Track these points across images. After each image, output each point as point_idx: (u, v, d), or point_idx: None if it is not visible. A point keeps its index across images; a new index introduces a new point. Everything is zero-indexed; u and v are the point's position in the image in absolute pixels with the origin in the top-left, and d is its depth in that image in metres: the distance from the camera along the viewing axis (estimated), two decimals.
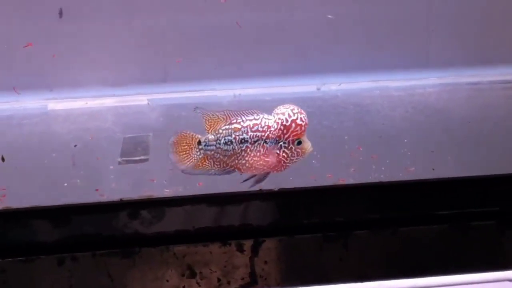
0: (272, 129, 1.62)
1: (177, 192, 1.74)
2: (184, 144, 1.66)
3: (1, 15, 2.42)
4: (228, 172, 1.66)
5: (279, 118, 1.62)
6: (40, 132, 2.25)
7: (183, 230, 1.69)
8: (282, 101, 2.37)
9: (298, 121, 1.61)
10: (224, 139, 1.63)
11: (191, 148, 1.65)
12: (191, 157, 1.65)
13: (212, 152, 1.64)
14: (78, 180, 1.90)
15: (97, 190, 1.81)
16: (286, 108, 1.64)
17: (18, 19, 2.43)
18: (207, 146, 1.64)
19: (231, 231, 1.70)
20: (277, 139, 1.62)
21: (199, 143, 1.65)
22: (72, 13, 2.46)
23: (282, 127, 1.61)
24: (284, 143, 1.62)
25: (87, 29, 2.48)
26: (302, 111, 1.64)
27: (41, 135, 2.23)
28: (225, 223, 1.69)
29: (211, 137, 1.64)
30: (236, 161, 1.63)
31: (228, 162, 1.64)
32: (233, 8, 2.49)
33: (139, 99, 2.50)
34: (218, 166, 1.64)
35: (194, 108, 1.72)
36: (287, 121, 1.61)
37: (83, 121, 2.32)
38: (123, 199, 1.68)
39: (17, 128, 2.28)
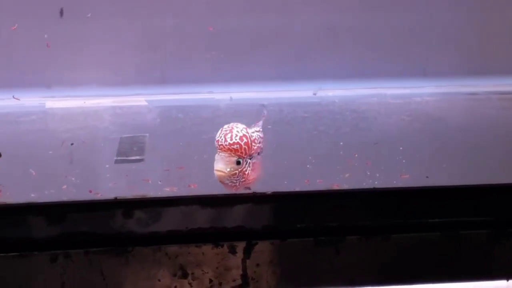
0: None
1: (172, 192, 1.74)
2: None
3: (2, 12, 2.44)
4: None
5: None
6: (37, 130, 2.26)
7: (176, 231, 1.69)
8: (279, 105, 2.41)
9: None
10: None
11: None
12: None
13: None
14: (73, 178, 1.90)
15: (90, 191, 1.80)
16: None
17: (18, 16, 2.44)
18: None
19: (224, 232, 1.70)
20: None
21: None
22: (72, 12, 2.47)
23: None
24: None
25: (87, 28, 2.49)
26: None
27: (38, 132, 2.24)
28: (218, 224, 1.70)
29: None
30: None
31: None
32: (232, 12, 2.51)
33: (137, 99, 2.51)
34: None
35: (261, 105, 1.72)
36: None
37: (81, 120, 2.33)
38: (117, 198, 1.68)
39: (14, 125, 2.29)
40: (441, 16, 2.53)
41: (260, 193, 1.69)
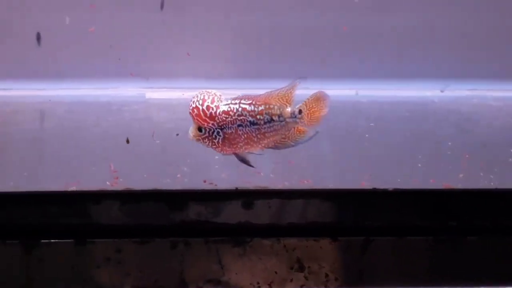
0: None
1: (291, 185, 1.75)
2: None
3: (105, 6, 2.47)
4: None
5: None
6: (140, 119, 2.29)
7: (295, 223, 1.70)
8: (379, 103, 2.39)
9: None
10: None
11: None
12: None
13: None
14: (185, 168, 1.93)
15: (205, 181, 1.82)
16: None
17: (120, 9, 2.48)
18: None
19: (342, 227, 1.71)
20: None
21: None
22: (172, 5, 2.50)
23: None
24: None
25: (186, 21, 2.51)
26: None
27: (142, 122, 2.26)
28: (337, 219, 1.70)
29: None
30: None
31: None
32: (332, 10, 2.50)
33: (234, 93, 2.52)
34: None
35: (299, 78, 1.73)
36: None
37: (182, 111, 2.34)
38: (238, 188, 1.70)
39: (118, 114, 2.32)
40: None
41: (382, 189, 1.68)
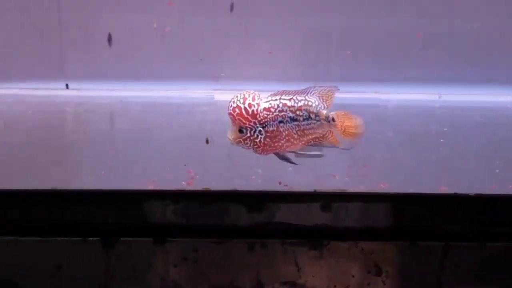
0: None
1: (368, 188, 1.74)
2: None
3: (175, 8, 2.49)
4: None
5: None
6: (211, 121, 2.30)
7: (372, 227, 1.68)
8: (452, 108, 2.37)
9: None
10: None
11: None
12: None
13: None
14: (260, 170, 1.93)
15: (280, 183, 1.82)
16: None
17: (190, 11, 2.50)
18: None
19: (421, 231, 1.68)
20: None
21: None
22: (241, 7, 2.51)
23: None
24: None
25: (255, 24, 2.52)
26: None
27: (213, 123, 2.28)
28: (415, 223, 1.68)
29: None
30: None
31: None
32: (402, 15, 2.48)
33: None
34: None
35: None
36: None
37: None
38: (316, 191, 1.69)
39: (189, 115, 2.34)
40: None
41: (463, 194, 1.66)
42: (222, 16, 2.50)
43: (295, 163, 1.67)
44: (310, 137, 1.65)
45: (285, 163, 1.66)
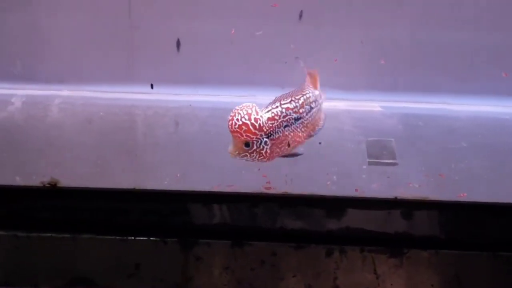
0: None
1: (448, 198, 1.72)
2: None
3: (243, 15, 2.50)
4: None
5: None
6: None
7: (455, 236, 1.66)
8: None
9: None
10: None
11: None
12: None
13: None
14: (334, 176, 1.91)
15: (356, 190, 1.81)
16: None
17: (262, 20, 2.50)
18: None
19: (503, 242, 1.66)
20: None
21: None
22: (311, 15, 2.51)
23: None
24: None
25: (323, 33, 2.52)
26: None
27: None
28: (497, 234, 1.65)
29: None
30: None
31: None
32: (465, 27, 2.46)
33: (371, 105, 2.50)
34: None
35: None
36: None
37: None
38: (397, 198, 1.67)
39: None
40: None
41: None
42: (291, 24, 2.51)
43: (301, 153, 1.67)
44: (311, 126, 1.69)
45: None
